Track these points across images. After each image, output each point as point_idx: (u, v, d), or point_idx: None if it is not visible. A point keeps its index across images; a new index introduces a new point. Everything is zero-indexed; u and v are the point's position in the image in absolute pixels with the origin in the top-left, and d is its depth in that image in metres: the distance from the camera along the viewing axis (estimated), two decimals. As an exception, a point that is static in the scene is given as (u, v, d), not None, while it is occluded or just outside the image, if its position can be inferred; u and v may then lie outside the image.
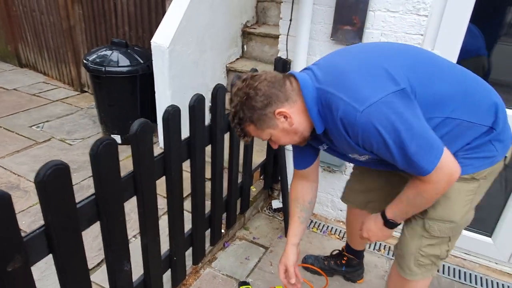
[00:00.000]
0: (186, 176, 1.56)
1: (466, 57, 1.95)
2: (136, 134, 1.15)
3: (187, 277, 1.83)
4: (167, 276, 1.67)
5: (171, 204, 1.46)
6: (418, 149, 1.00)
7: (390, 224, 1.25)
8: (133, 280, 1.40)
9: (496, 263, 2.12)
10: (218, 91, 1.52)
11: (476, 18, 1.76)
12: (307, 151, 1.36)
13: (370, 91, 1.01)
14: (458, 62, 1.81)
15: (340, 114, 1.03)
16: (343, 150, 1.21)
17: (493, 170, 1.20)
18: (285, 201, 2.28)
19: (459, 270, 2.09)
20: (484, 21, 1.86)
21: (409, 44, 1.33)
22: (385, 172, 1.41)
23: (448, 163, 1.04)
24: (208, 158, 1.66)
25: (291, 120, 1.12)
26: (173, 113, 1.29)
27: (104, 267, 1.77)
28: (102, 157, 1.05)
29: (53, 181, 0.92)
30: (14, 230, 0.86)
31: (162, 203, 1.59)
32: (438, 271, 2.06)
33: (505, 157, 1.20)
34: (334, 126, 1.08)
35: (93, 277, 1.76)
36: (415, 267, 1.33)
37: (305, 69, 1.20)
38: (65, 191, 0.97)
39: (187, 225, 1.71)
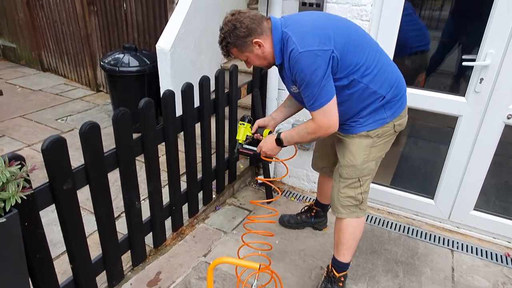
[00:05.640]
0: (182, 157, 2.06)
1: (411, 52, 2.44)
2: (143, 108, 1.67)
3: (184, 227, 2.34)
4: (168, 224, 2.19)
5: (169, 162, 1.98)
6: (314, 91, 1.46)
7: (278, 141, 1.72)
8: (143, 219, 1.92)
9: (440, 222, 2.58)
10: (203, 81, 2.04)
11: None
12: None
13: (311, 42, 1.44)
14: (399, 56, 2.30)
15: (289, 50, 1.47)
16: (288, 83, 1.63)
17: (384, 132, 1.67)
18: (266, 175, 2.78)
19: (408, 228, 2.56)
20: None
21: (356, 24, 1.70)
22: (332, 145, 1.90)
23: (331, 111, 1.50)
24: (198, 140, 2.16)
25: (263, 48, 1.54)
26: (169, 95, 1.81)
27: (120, 220, 2.31)
28: (120, 123, 1.58)
29: (90, 134, 1.44)
30: (67, 162, 1.39)
31: (164, 176, 2.09)
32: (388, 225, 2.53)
33: (394, 125, 1.67)
34: (286, 59, 1.51)
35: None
36: (340, 207, 1.81)
37: (281, 18, 1.62)
38: (97, 141, 1.49)
39: (184, 189, 2.24)
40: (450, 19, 2.30)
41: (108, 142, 2.24)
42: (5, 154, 1.15)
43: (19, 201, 1.09)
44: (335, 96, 1.51)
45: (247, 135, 1.95)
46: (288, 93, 2.15)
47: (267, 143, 1.79)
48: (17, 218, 1.12)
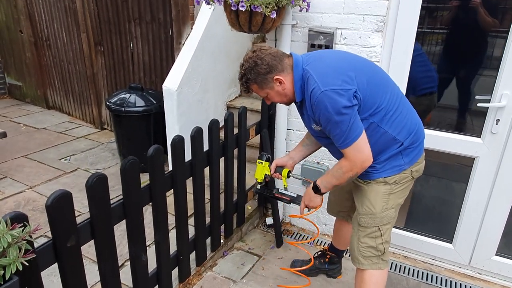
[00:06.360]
0: (190, 198, 1.98)
1: (422, 93, 2.42)
2: (152, 156, 1.61)
3: (191, 276, 2.21)
4: (175, 275, 2.07)
5: (177, 210, 1.89)
6: (343, 129, 1.42)
7: (315, 189, 1.68)
8: (149, 271, 1.81)
9: (460, 267, 2.45)
10: (213, 125, 1.99)
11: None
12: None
13: (334, 81, 1.42)
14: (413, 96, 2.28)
15: (310, 89, 1.44)
16: (308, 120, 1.60)
17: (401, 178, 1.61)
18: (276, 218, 2.67)
19: (427, 274, 2.42)
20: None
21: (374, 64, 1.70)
22: (350, 191, 1.85)
23: (363, 145, 1.45)
24: (207, 181, 2.09)
25: (284, 85, 1.52)
26: (178, 141, 1.75)
27: (125, 268, 2.19)
28: (128, 173, 1.51)
29: (97, 186, 1.37)
30: (72, 218, 1.30)
31: (171, 220, 2.00)
32: (408, 273, 2.40)
33: (412, 171, 1.62)
34: (307, 97, 1.49)
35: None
36: (361, 257, 1.72)
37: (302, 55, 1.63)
38: (104, 194, 1.41)
39: (191, 235, 2.13)
40: (445, 53, 2.28)
41: (112, 183, 2.18)
42: (7, 215, 1.08)
43: (20, 268, 1.00)
44: (364, 131, 1.46)
45: (265, 174, 1.92)
46: (297, 133, 2.39)
47: (308, 196, 1.74)
48: (17, 286, 1.02)
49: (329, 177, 1.62)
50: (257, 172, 1.92)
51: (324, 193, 1.70)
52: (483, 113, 2.09)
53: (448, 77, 2.36)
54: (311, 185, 1.71)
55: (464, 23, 2.15)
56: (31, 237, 1.09)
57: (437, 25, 2.21)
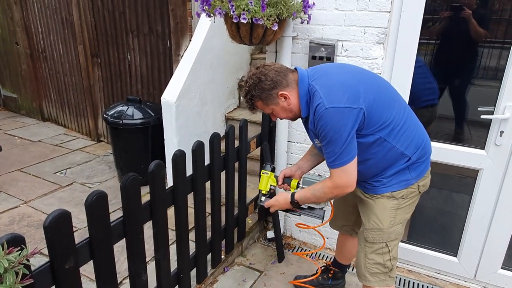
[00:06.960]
0: (190, 211, 1.93)
1: (423, 105, 2.41)
2: (152, 171, 1.56)
3: (192, 295, 2.15)
4: (175, 293, 2.01)
5: (178, 227, 1.84)
6: (336, 149, 1.40)
7: (293, 203, 1.68)
8: (149, 291, 1.75)
9: (465, 281, 2.41)
10: (214, 139, 1.96)
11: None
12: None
13: (339, 99, 1.39)
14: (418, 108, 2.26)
15: (315, 104, 1.41)
16: (311, 135, 1.57)
17: (408, 192, 1.58)
18: (277, 232, 2.62)
19: (432, 288, 2.38)
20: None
21: (382, 78, 1.69)
22: (355, 205, 1.81)
23: (351, 171, 1.44)
24: (208, 195, 2.04)
25: (289, 100, 1.49)
26: (179, 156, 1.71)
27: (123, 287, 2.12)
28: (129, 190, 1.46)
29: (96, 205, 1.32)
30: (71, 238, 1.25)
31: (171, 235, 1.94)
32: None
33: (419, 185, 1.59)
34: (312, 112, 1.46)
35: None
36: (368, 274, 1.67)
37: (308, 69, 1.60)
38: (104, 212, 1.36)
39: (192, 252, 2.07)
40: (442, 64, 2.27)
41: (110, 197, 2.14)
42: (3, 237, 1.02)
43: (17, 294, 0.95)
44: (356, 157, 1.44)
45: (270, 186, 1.85)
46: (298, 145, 2.40)
47: (280, 204, 1.73)
48: (13, 313, 0.97)
49: (309, 194, 1.61)
50: (262, 183, 1.84)
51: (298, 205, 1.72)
52: (486, 124, 2.08)
53: (447, 88, 2.36)
54: (288, 193, 1.70)
55: (457, 33, 2.15)
56: (28, 260, 1.03)
57: (433, 36, 2.20)
